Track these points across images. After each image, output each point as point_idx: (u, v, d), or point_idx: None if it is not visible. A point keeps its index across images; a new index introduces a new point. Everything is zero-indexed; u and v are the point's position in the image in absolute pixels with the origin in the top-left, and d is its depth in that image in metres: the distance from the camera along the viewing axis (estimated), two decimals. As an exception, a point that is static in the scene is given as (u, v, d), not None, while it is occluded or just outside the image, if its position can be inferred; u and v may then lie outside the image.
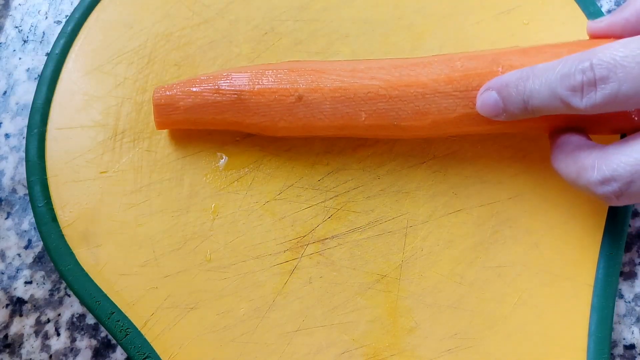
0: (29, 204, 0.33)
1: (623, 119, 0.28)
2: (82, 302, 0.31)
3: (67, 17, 0.36)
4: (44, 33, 0.37)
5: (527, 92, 0.26)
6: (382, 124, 0.30)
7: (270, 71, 0.30)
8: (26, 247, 0.33)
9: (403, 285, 0.31)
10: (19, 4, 0.38)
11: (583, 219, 0.31)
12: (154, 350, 0.30)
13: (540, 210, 0.32)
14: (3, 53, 0.37)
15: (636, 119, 0.27)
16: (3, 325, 0.32)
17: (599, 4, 0.37)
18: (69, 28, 0.35)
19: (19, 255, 0.33)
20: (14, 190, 0.35)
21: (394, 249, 0.31)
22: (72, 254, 0.31)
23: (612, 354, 0.32)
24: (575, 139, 0.27)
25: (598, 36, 0.29)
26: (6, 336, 0.32)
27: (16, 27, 0.37)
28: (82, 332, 0.32)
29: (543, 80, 0.25)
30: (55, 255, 0.31)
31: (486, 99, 0.28)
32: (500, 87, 0.27)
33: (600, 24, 0.28)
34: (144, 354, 0.30)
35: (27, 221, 0.34)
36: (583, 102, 0.24)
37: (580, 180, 0.26)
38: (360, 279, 0.31)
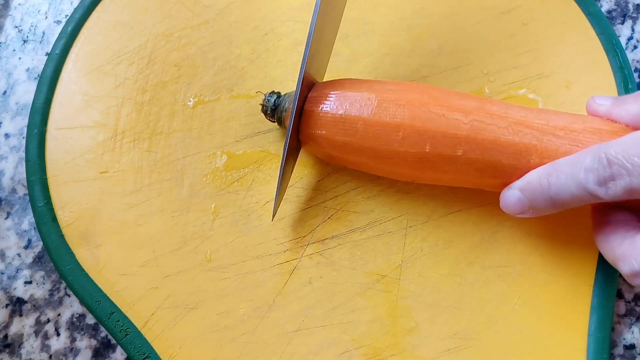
0: (29, 204, 0.33)
1: None
2: (82, 302, 0.31)
3: (67, 17, 0.36)
4: (44, 33, 0.37)
5: (552, 188, 0.27)
6: None
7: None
8: (26, 247, 0.33)
9: (403, 285, 0.31)
10: (19, 4, 0.38)
11: (583, 219, 0.31)
12: (154, 350, 0.30)
13: (540, 210, 0.32)
14: (3, 53, 0.37)
15: None
16: (3, 325, 0.32)
17: (599, 4, 0.37)
18: (69, 28, 0.35)
19: (18, 255, 0.33)
20: (14, 190, 0.34)
21: (394, 249, 0.31)
22: (72, 254, 0.31)
23: (612, 354, 0.32)
24: (613, 219, 0.28)
25: (596, 115, 0.30)
26: (6, 336, 0.32)
27: (16, 27, 0.37)
28: (82, 332, 0.32)
29: (568, 174, 0.26)
30: (55, 255, 0.31)
31: (509, 197, 0.28)
32: (522, 186, 0.28)
33: (601, 107, 0.29)
34: (144, 354, 0.30)
35: (27, 221, 0.34)
36: (608, 193, 0.25)
37: (616, 267, 0.27)
38: (360, 279, 0.31)
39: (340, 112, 0.28)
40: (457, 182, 0.30)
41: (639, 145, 0.25)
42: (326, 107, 0.29)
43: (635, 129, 0.28)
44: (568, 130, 0.28)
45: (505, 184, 0.29)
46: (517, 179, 0.28)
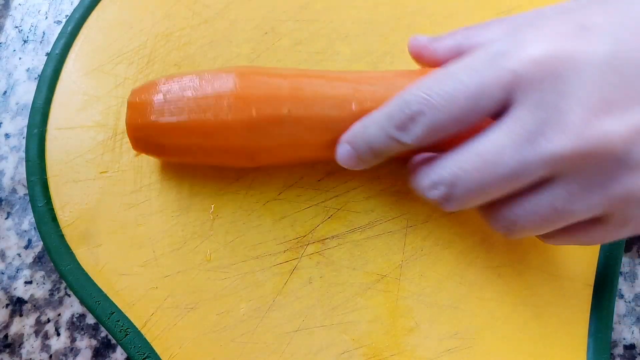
0: (29, 204, 0.33)
1: None
2: (82, 302, 0.31)
3: (67, 17, 0.36)
4: (44, 33, 0.37)
5: (369, 139, 0.27)
6: None
7: None
8: (26, 247, 0.34)
9: (403, 285, 0.31)
10: (19, 4, 0.38)
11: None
12: (154, 350, 0.30)
13: (540, 210, 0.32)
14: (3, 53, 0.37)
15: None
16: (3, 325, 0.32)
17: (599, 4, 0.37)
18: (69, 28, 0.35)
19: (19, 255, 0.33)
20: (14, 190, 0.35)
21: (394, 249, 0.31)
22: (72, 254, 0.31)
23: (612, 354, 0.32)
24: (419, 156, 0.28)
25: (419, 55, 0.30)
26: (6, 336, 0.32)
27: (16, 27, 0.37)
28: (82, 332, 0.32)
29: (376, 122, 0.27)
30: (55, 255, 0.31)
31: (338, 150, 0.29)
32: (348, 138, 0.28)
33: (420, 42, 0.29)
34: (144, 354, 0.30)
35: (27, 221, 0.34)
36: (409, 137, 0.25)
37: (416, 187, 0.27)
38: (360, 279, 0.31)
39: (165, 95, 0.29)
40: (296, 150, 0.30)
41: (440, 80, 0.24)
42: (150, 96, 0.29)
43: None
44: (381, 78, 0.29)
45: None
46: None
